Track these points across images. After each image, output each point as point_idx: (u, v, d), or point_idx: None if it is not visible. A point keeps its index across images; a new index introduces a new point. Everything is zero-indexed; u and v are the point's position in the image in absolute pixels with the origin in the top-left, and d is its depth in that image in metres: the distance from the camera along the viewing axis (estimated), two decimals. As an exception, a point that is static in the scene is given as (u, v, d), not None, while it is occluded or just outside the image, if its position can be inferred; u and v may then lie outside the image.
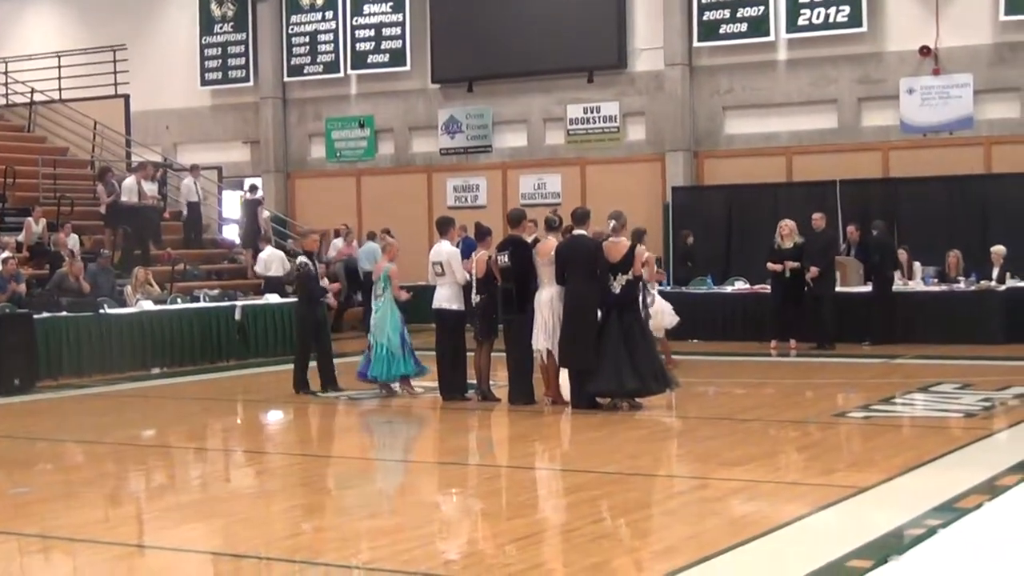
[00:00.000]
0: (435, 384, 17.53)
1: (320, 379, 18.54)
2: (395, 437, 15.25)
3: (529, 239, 17.08)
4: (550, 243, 16.00)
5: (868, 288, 25.07)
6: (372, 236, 30.40)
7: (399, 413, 16.65)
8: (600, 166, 31.96)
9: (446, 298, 17.05)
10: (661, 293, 21.35)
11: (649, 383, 15.30)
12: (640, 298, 15.62)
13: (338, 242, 31.69)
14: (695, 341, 24.76)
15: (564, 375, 16.01)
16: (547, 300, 15.75)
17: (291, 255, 27.13)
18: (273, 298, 25.14)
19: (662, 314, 19.82)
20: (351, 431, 16.04)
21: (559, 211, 18.72)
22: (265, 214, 31.31)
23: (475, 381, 17.21)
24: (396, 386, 18.00)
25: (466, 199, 33.46)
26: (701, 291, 26.94)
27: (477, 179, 33.61)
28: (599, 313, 15.51)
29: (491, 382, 17.22)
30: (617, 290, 15.30)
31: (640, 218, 26.39)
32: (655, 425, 14.83)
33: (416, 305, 18.66)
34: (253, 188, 31.67)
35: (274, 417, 17.15)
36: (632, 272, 15.12)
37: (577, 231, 15.86)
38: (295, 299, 19.61)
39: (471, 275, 16.84)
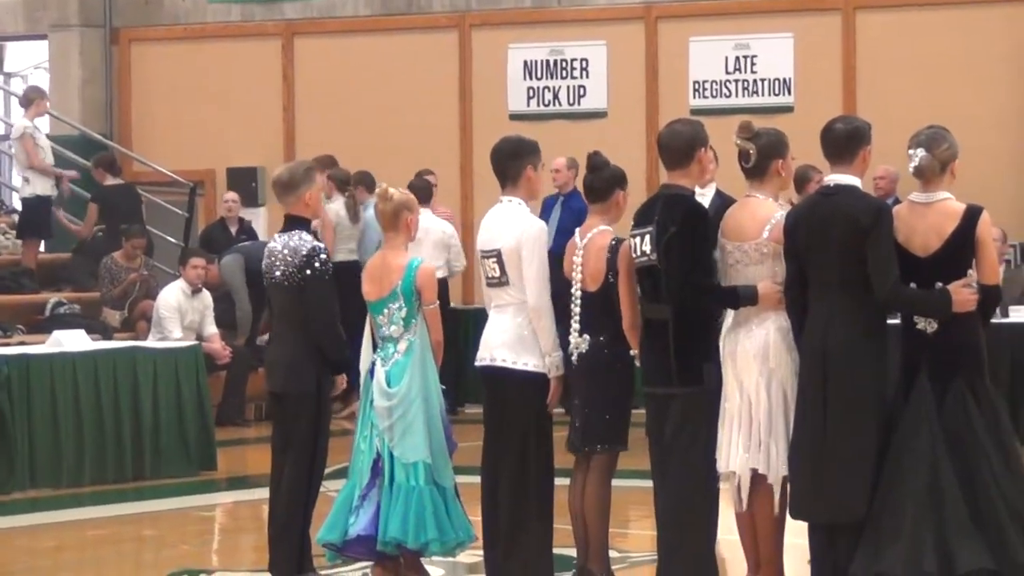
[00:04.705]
0: (477, 558, 9.06)
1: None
2: None
3: (706, 193, 9.82)
4: (766, 209, 8.37)
5: None
6: (368, 184, 16.40)
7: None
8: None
9: (510, 342, 8.77)
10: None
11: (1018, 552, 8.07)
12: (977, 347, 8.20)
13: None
14: None
15: (793, 535, 8.55)
16: (756, 351, 8.43)
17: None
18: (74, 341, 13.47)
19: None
20: None
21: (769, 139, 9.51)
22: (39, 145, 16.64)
23: (574, 552, 8.92)
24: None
25: (557, 94, 18.87)
26: None
27: (583, 41, 19.60)
28: (887, 386, 8.42)
29: (611, 551, 9.03)
30: (932, 327, 8.29)
31: (1002, 136, 16.60)
32: None
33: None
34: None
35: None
36: (982, 276, 8.29)
37: (839, 177, 8.28)
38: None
39: (575, 283, 8.77)
